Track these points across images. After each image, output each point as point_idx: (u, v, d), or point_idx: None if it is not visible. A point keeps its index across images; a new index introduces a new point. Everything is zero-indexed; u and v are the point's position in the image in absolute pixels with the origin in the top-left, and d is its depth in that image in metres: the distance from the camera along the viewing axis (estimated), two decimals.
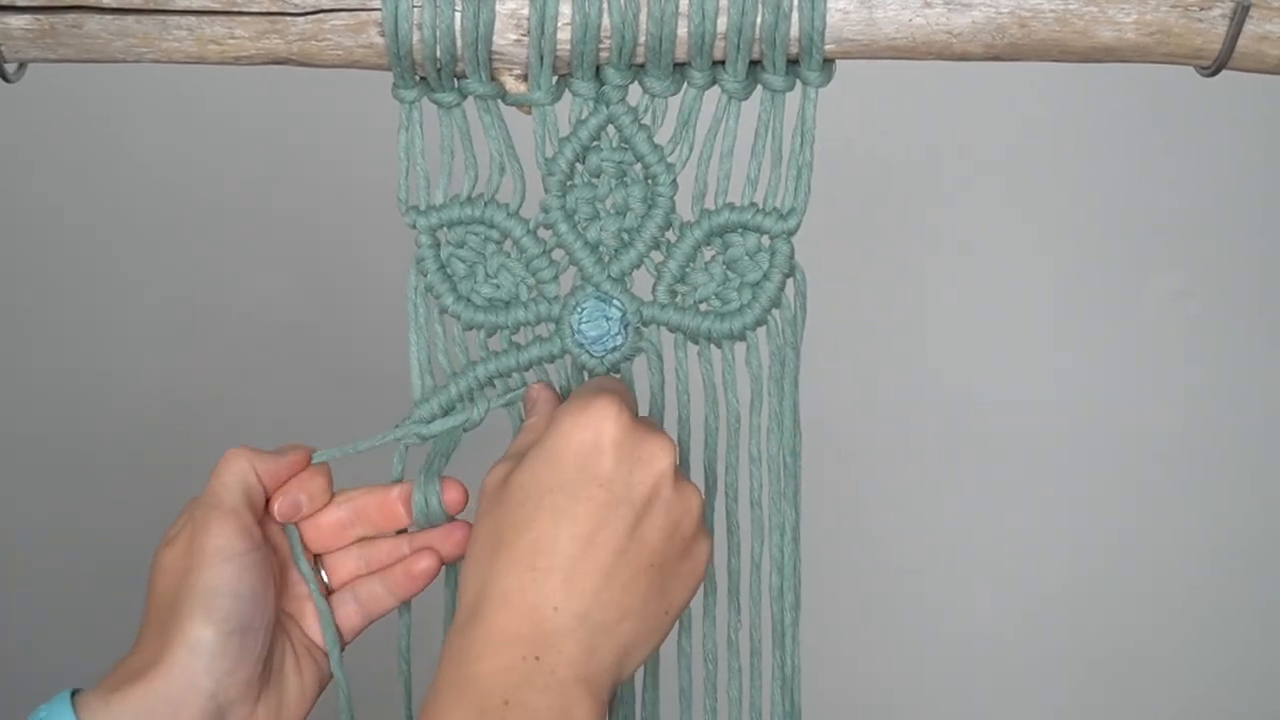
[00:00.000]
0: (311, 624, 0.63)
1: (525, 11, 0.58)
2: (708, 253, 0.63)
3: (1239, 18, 0.56)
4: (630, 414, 0.56)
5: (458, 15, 0.57)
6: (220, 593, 0.57)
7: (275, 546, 0.63)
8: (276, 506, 0.62)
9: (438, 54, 0.58)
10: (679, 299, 0.63)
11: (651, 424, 0.59)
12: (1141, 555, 1.38)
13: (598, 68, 0.59)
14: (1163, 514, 1.38)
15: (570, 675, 0.52)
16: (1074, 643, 1.41)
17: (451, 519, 0.63)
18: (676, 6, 0.57)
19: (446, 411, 0.64)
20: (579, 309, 0.62)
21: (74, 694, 0.57)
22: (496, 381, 0.64)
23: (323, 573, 0.64)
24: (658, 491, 0.56)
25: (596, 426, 0.55)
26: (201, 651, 0.57)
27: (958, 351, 1.34)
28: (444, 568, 0.64)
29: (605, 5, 0.57)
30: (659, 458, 0.56)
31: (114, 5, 0.57)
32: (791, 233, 0.62)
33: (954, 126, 1.28)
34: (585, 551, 0.54)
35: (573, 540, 0.54)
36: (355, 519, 0.63)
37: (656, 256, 0.63)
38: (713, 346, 0.63)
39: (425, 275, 0.63)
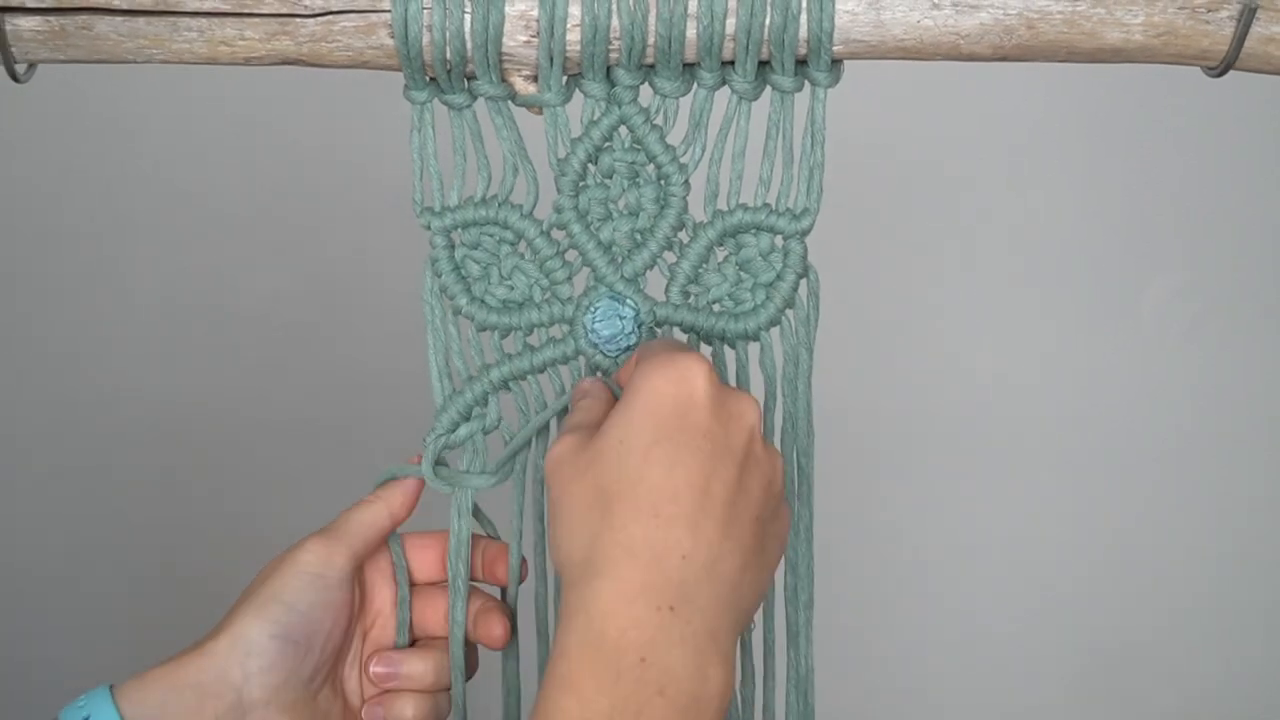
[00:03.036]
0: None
1: (535, 13, 0.58)
2: (721, 253, 0.63)
3: (1246, 19, 0.57)
4: (712, 367, 0.55)
5: (467, 17, 0.57)
6: (278, 599, 0.59)
7: (367, 599, 0.64)
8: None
9: (447, 55, 0.58)
10: (692, 300, 0.63)
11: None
12: (1145, 553, 1.39)
13: (608, 69, 0.59)
14: (1167, 512, 1.38)
15: (704, 628, 0.50)
16: (1083, 641, 1.41)
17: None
18: (685, 8, 0.57)
19: (467, 417, 0.64)
20: (592, 309, 0.62)
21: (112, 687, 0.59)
22: (511, 385, 0.64)
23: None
24: (751, 446, 0.54)
25: (690, 380, 0.53)
26: (239, 644, 0.58)
27: (963, 351, 1.34)
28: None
29: (614, 7, 0.57)
30: (747, 413, 0.54)
31: (124, 7, 0.57)
32: (805, 233, 0.62)
33: (961, 126, 1.29)
34: (703, 501, 0.51)
35: (690, 489, 0.51)
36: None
37: (669, 257, 0.63)
38: (726, 347, 0.63)
39: (440, 276, 0.63)
